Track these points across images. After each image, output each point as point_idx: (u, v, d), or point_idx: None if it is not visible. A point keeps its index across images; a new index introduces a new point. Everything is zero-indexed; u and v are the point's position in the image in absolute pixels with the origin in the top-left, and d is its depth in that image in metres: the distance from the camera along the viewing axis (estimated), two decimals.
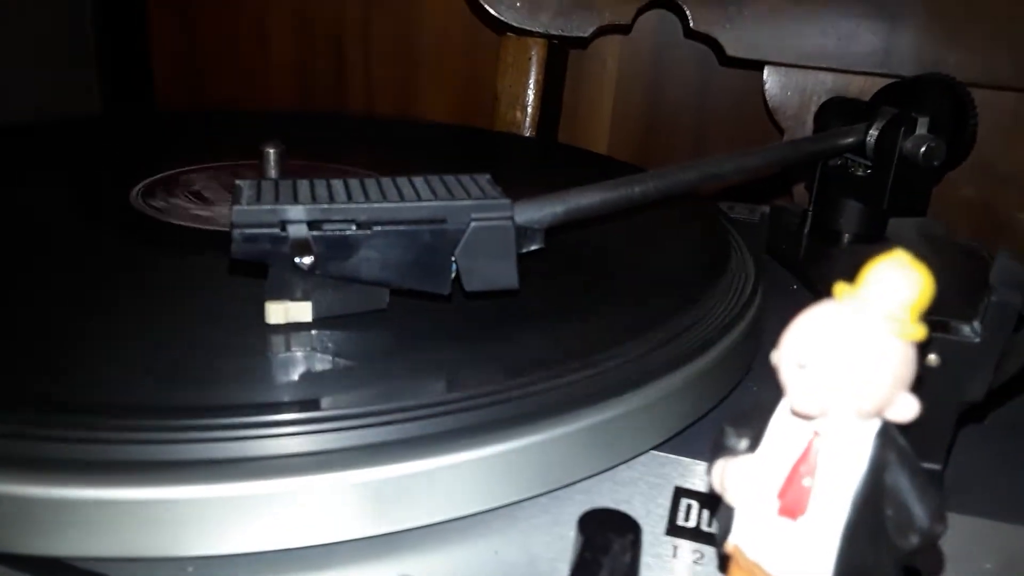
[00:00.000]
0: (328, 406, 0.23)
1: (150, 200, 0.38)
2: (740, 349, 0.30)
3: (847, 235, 0.42)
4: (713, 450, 0.18)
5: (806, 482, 0.16)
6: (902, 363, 0.15)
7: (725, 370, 0.29)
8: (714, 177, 0.35)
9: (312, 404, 0.24)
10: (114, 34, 0.74)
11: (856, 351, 0.15)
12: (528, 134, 0.61)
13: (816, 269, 0.40)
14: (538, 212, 0.29)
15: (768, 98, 0.57)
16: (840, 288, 0.16)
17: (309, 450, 0.21)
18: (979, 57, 0.53)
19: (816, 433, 0.16)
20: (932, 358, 0.23)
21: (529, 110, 0.62)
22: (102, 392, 0.24)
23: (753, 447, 0.17)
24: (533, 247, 0.29)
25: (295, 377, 0.25)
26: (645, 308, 0.31)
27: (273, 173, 0.35)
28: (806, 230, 0.44)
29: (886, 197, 0.38)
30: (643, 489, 0.25)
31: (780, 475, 0.17)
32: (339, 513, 0.21)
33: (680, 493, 0.25)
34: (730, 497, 0.17)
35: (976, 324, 0.23)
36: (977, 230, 0.57)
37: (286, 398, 0.24)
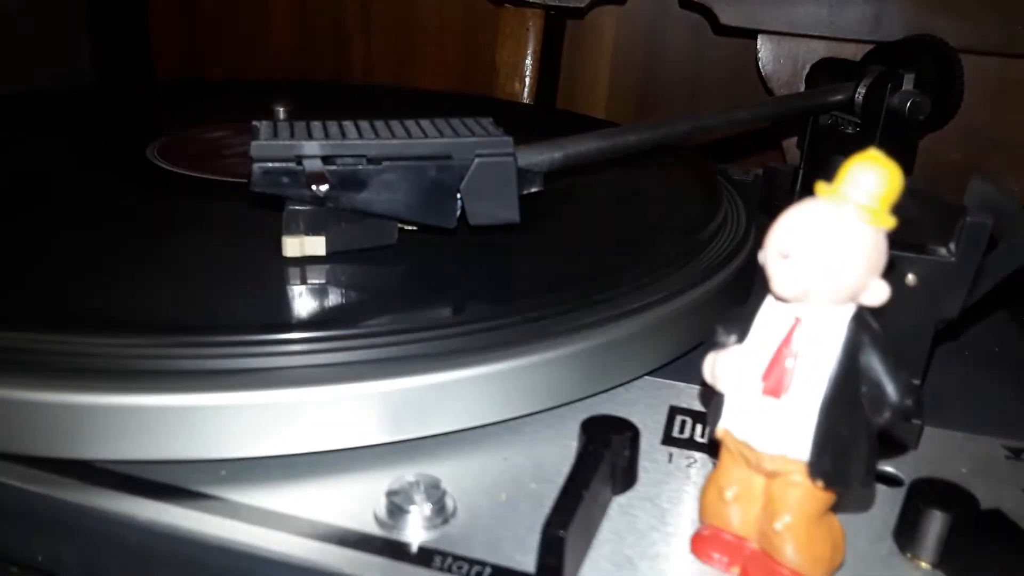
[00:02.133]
0: (357, 324, 0.25)
1: (166, 156, 0.40)
2: (733, 285, 0.31)
3: None
4: (706, 348, 0.20)
5: (788, 363, 0.18)
6: (873, 249, 0.17)
7: (718, 304, 0.31)
8: (705, 129, 0.37)
9: (343, 322, 0.25)
10: (109, 5, 0.74)
11: (833, 239, 0.17)
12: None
13: None
14: (537, 156, 0.30)
15: (761, 66, 0.58)
16: (820, 186, 0.18)
17: (339, 362, 0.23)
18: (968, 23, 0.54)
19: (797, 320, 0.18)
20: (911, 278, 0.25)
21: (528, 81, 0.63)
22: (150, 311, 0.25)
23: (740, 341, 0.19)
24: (533, 189, 0.30)
25: (328, 300, 0.27)
26: (645, 246, 0.33)
27: None
28: (797, 187, 0.45)
29: None
30: (641, 408, 0.26)
31: (765, 360, 0.18)
32: (365, 420, 0.22)
33: (675, 411, 0.26)
34: (721, 384, 0.19)
35: (951, 245, 0.25)
36: (965, 193, 0.58)
37: (321, 318, 0.26)
